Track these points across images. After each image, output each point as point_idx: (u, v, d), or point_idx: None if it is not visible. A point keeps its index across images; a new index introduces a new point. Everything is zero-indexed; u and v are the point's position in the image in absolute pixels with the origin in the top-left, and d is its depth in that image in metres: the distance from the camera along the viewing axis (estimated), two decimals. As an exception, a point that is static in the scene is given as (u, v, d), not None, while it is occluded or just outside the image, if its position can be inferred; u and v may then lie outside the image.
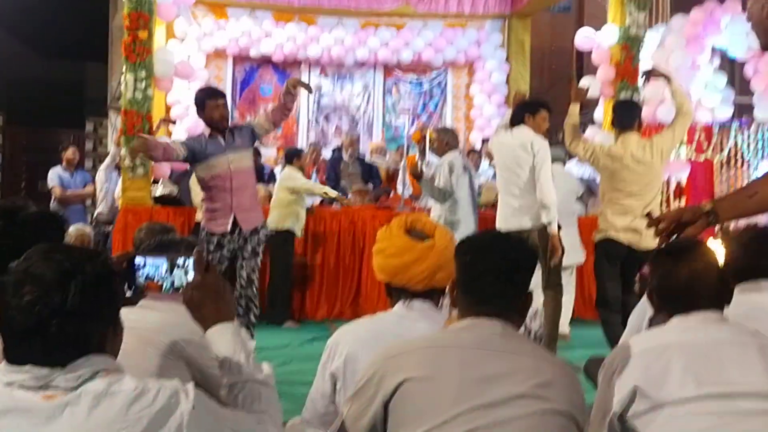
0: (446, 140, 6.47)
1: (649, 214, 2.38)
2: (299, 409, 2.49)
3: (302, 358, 5.80)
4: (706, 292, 2.13)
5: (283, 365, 5.56)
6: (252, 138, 5.42)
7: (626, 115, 5.52)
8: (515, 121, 5.62)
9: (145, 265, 1.83)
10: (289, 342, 6.45)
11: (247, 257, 5.22)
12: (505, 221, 5.54)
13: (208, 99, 5.21)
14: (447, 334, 1.92)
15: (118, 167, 8.47)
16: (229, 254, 5.21)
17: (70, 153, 9.42)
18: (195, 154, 5.15)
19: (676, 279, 2.14)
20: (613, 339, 5.03)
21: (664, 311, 2.19)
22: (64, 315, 1.47)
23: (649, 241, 4.86)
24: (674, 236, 2.31)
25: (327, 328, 6.88)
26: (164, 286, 1.85)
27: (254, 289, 5.27)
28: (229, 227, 5.19)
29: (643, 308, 3.94)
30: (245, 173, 5.32)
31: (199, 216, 7.26)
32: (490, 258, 1.94)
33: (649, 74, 5.78)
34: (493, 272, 1.92)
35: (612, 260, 5.37)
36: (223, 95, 5.41)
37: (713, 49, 8.90)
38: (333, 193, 7.69)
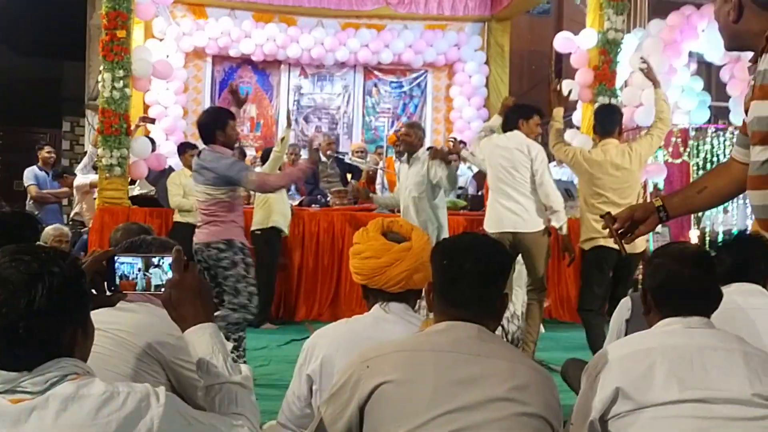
0: (420, 135, 6.42)
1: (607, 215, 2.38)
2: (278, 411, 2.48)
3: (281, 360, 5.79)
4: (703, 295, 2.15)
5: (261, 367, 5.55)
6: None
7: (607, 121, 5.55)
8: (509, 125, 5.63)
9: (121, 264, 1.81)
10: (267, 344, 6.43)
11: None
12: (499, 223, 5.52)
13: (230, 119, 5.09)
14: (423, 337, 1.91)
15: (95, 167, 8.40)
16: None
17: (45, 152, 9.37)
18: None
19: (679, 281, 2.15)
20: (596, 342, 5.06)
21: (657, 311, 2.20)
22: (32, 317, 1.45)
23: (635, 245, 4.89)
24: (628, 234, 2.33)
25: (305, 330, 6.87)
26: (138, 285, 1.82)
27: None
28: None
29: (621, 312, 3.98)
30: None
31: (177, 217, 7.22)
32: (466, 262, 1.93)
33: (646, 66, 5.84)
34: (470, 276, 1.91)
35: (603, 267, 5.39)
36: None
37: (690, 54, 8.97)
38: (286, 133, 7.08)
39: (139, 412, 1.47)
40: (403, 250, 2.33)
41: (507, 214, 5.49)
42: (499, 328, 3.17)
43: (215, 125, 5.00)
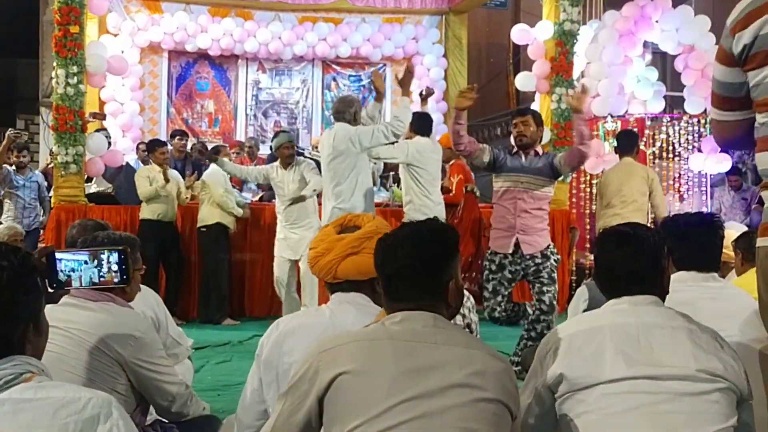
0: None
1: None
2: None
3: (243, 356, 5.76)
4: (635, 275, 2.17)
5: (223, 363, 5.52)
6: None
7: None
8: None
9: (62, 260, 1.77)
10: (229, 339, 6.39)
11: None
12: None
13: None
14: (380, 327, 1.91)
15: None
16: None
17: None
18: None
19: (610, 265, 2.20)
20: None
21: (605, 295, 2.24)
22: None
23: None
24: None
25: (268, 325, 6.83)
26: (84, 281, 1.79)
27: None
28: None
29: (578, 300, 4.03)
30: None
31: (145, 214, 7.18)
32: (400, 256, 1.90)
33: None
34: (404, 270, 1.89)
35: None
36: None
37: (645, 44, 9.10)
38: (238, 213, 7.42)
39: (98, 419, 1.45)
40: (354, 237, 2.30)
41: None
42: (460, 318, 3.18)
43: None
